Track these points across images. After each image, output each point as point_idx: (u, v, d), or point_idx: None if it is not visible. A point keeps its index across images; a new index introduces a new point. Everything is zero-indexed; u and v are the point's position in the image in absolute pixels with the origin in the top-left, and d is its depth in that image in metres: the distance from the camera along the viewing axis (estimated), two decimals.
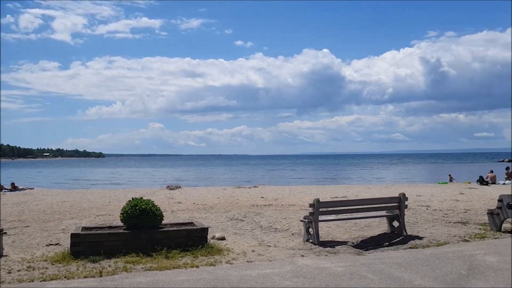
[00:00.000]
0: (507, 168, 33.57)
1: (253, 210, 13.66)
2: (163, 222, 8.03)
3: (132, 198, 7.79)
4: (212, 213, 12.97)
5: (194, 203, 16.22)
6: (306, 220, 8.30)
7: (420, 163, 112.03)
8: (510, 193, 10.23)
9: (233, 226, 10.47)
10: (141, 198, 7.77)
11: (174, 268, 6.35)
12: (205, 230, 7.67)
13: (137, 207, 7.44)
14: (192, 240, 7.47)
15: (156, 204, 7.87)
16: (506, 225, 9.72)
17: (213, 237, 8.59)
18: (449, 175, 32.73)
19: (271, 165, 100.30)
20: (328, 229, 9.66)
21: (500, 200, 9.52)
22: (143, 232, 7.38)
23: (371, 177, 48.95)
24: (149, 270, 6.21)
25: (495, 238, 8.53)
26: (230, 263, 6.65)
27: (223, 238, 8.64)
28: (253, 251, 7.55)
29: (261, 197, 18.14)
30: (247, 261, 6.78)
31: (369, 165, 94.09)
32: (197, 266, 6.43)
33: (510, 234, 8.99)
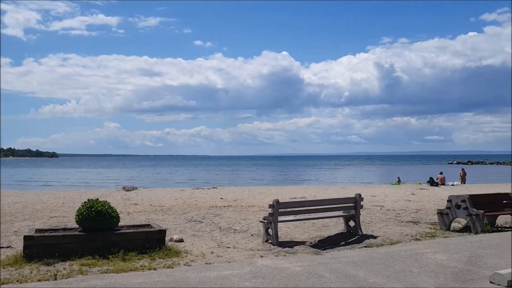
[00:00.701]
0: (463, 169, 35.30)
1: (212, 211, 13.61)
2: (120, 224, 7.87)
3: (88, 200, 7.57)
4: (169, 215, 12.80)
5: (151, 205, 15.95)
6: (266, 221, 8.37)
7: (375, 164, 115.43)
8: (458, 193, 10.73)
9: (192, 227, 10.39)
10: (97, 199, 7.57)
11: (131, 270, 6.23)
12: (162, 232, 7.58)
13: (93, 209, 7.24)
14: (149, 242, 7.35)
15: (112, 205, 7.69)
16: (454, 225, 10.20)
17: (171, 239, 8.49)
18: (398, 178, 33.90)
19: (231, 166, 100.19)
20: (287, 229, 9.78)
21: (449, 201, 9.98)
22: (99, 234, 7.19)
23: (329, 178, 49.95)
24: (106, 273, 6.06)
25: (444, 237, 8.93)
26: (188, 265, 6.60)
27: (181, 240, 8.56)
28: (212, 252, 7.53)
29: (220, 198, 18.10)
30: (206, 263, 6.76)
31: (327, 166, 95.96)
32: (155, 269, 6.34)
33: (458, 233, 9.44)
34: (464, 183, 31.74)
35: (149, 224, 8.20)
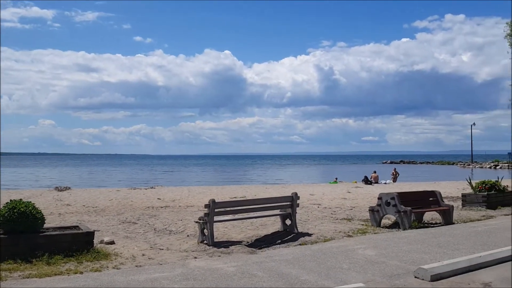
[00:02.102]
0: (395, 169, 37.07)
1: (148, 212, 13.24)
2: (46, 226, 7.43)
3: (10, 200, 7.08)
4: (103, 216, 12.30)
5: (84, 206, 15.25)
6: (201, 221, 8.23)
7: (315, 164, 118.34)
8: (389, 191, 11.17)
9: (125, 229, 10.03)
10: (20, 200, 7.09)
11: (55, 275, 5.88)
12: (91, 234, 7.22)
13: (15, 210, 6.77)
14: (77, 244, 6.98)
15: (37, 206, 7.24)
16: (385, 221, 10.61)
17: (101, 241, 8.13)
18: (336, 178, 34.94)
19: (171, 166, 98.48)
20: (224, 229, 9.71)
21: (379, 198, 10.36)
22: (22, 236, 6.73)
23: (270, 177, 50.48)
24: (28, 278, 5.68)
25: (375, 233, 9.25)
26: (117, 268, 6.34)
27: (112, 242, 8.22)
28: (143, 255, 7.28)
29: (158, 199, 17.67)
30: (136, 266, 6.52)
31: (269, 166, 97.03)
32: (81, 272, 6.02)
33: (388, 229, 9.82)
34: (395, 182, 33.31)
35: (77, 226, 7.80)
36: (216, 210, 8.16)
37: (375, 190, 21.07)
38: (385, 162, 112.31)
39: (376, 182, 30.40)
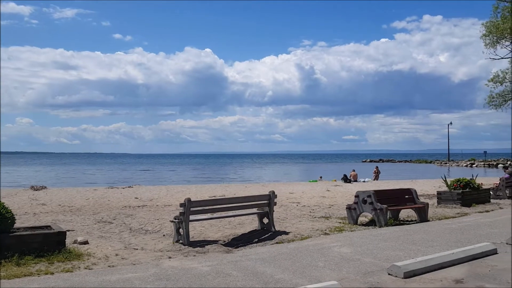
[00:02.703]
0: (377, 167, 37.56)
1: (124, 211, 13.04)
2: (18, 226, 7.25)
3: None
4: (79, 216, 12.07)
5: (60, 205, 14.94)
6: (176, 220, 8.14)
7: (296, 162, 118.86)
8: (366, 189, 11.26)
9: (100, 229, 9.85)
10: None
11: (25, 276, 5.73)
12: (62, 234, 7.06)
13: None
14: (48, 245, 6.81)
15: (9, 206, 7.06)
16: (362, 219, 10.69)
17: (75, 241, 7.98)
18: (320, 176, 35.12)
19: (150, 165, 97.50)
20: (201, 228, 9.63)
21: (356, 196, 10.43)
22: None
23: (251, 176, 50.44)
24: None
25: (351, 231, 9.30)
26: (89, 269, 6.21)
27: (86, 242, 8.06)
28: (116, 255, 7.15)
29: (135, 198, 17.44)
30: (109, 266, 6.40)
31: (250, 165, 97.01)
32: (52, 273, 5.88)
33: (364, 227, 9.89)
34: (377, 180, 33.69)
35: (49, 226, 7.62)
36: (192, 209, 8.07)
37: (353, 189, 21.22)
38: (365, 161, 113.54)
39: (355, 181, 30.67)
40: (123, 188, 23.68)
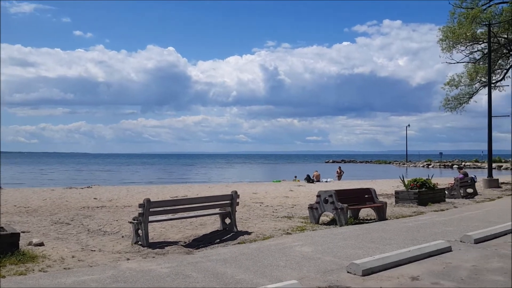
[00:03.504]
0: (339, 167, 38.20)
1: (83, 212, 12.65)
2: None
3: None
4: (35, 217, 11.61)
5: (15, 206, 14.32)
6: (135, 221, 7.95)
7: (260, 163, 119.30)
8: (328, 189, 11.41)
9: (57, 230, 9.51)
10: None
11: None
12: (16, 236, 6.76)
13: None
14: (0, 247, 6.51)
15: None
16: (323, 218, 10.82)
17: (29, 243, 7.66)
18: (295, 176, 34.87)
19: (111, 164, 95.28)
20: (162, 229, 9.47)
21: (318, 196, 10.55)
22: None
23: (215, 176, 50.21)
24: None
25: (313, 230, 9.39)
26: (44, 271, 5.96)
27: (41, 244, 7.75)
28: (73, 256, 6.91)
29: (94, 198, 16.97)
30: (64, 268, 6.17)
31: (214, 165, 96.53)
32: (4, 276, 5.61)
33: (326, 226, 10.01)
34: (340, 180, 34.32)
35: (2, 227, 7.27)
36: (151, 209, 7.91)
37: (316, 188, 21.48)
38: (328, 162, 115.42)
39: (318, 181, 31.09)
40: (82, 188, 23.02)
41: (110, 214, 12.20)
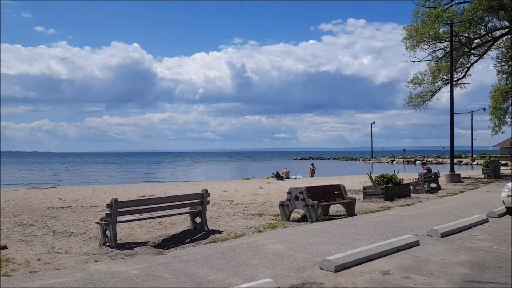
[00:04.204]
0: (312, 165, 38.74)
1: (48, 213, 12.21)
2: None
3: None
4: None
5: None
6: (103, 222, 7.73)
7: (229, 160, 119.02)
8: (298, 186, 11.46)
9: (21, 232, 9.14)
10: None
11: None
12: None
13: None
14: None
15: None
16: (294, 215, 10.86)
17: None
18: (273, 173, 34.26)
19: (75, 163, 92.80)
20: (130, 230, 9.26)
21: (289, 193, 10.58)
22: None
23: (183, 175, 49.68)
24: None
25: (284, 227, 9.40)
26: (8, 276, 5.70)
27: (4, 247, 7.43)
28: (38, 259, 6.64)
29: (59, 199, 16.44)
30: (30, 272, 5.92)
31: (182, 163, 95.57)
32: None
33: (296, 223, 10.05)
34: (313, 176, 34.79)
35: None
36: (119, 210, 7.71)
37: (285, 186, 21.61)
38: (296, 159, 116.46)
39: (287, 178, 31.26)
40: (46, 188, 22.29)
41: (76, 214, 11.84)
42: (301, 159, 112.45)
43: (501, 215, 10.59)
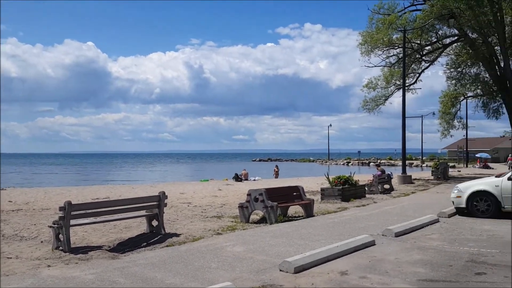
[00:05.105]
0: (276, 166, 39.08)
1: None
2: None
3: None
4: None
5: None
6: (56, 225, 7.41)
7: (186, 162, 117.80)
8: (258, 188, 11.47)
9: None
10: None
11: None
12: None
13: None
14: None
15: None
16: (253, 217, 10.85)
17: None
18: (236, 174, 34.86)
19: (26, 165, 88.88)
20: (84, 233, 8.93)
21: (249, 194, 10.56)
22: None
23: (138, 176, 48.66)
24: None
25: (243, 229, 9.37)
26: None
27: None
28: None
29: (9, 201, 15.65)
30: None
31: (137, 165, 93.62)
32: None
33: (256, 224, 10.05)
34: (277, 178, 35.13)
35: None
36: (73, 213, 7.42)
37: (245, 187, 21.61)
38: (255, 160, 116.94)
39: (246, 179, 31.29)
40: None
41: (27, 218, 11.30)
42: (260, 160, 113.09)
43: (451, 215, 11.04)
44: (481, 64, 29.98)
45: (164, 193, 9.15)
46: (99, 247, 7.69)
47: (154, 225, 9.12)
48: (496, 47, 28.06)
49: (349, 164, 78.61)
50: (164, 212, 9.26)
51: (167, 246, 7.81)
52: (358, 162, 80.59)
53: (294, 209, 12.24)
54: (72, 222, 7.48)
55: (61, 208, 7.32)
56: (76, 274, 5.72)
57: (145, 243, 8.12)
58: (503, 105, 30.25)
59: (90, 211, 8.02)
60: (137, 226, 9.80)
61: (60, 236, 7.40)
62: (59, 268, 6.13)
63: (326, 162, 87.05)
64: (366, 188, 17.43)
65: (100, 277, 5.52)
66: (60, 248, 7.36)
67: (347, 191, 15.14)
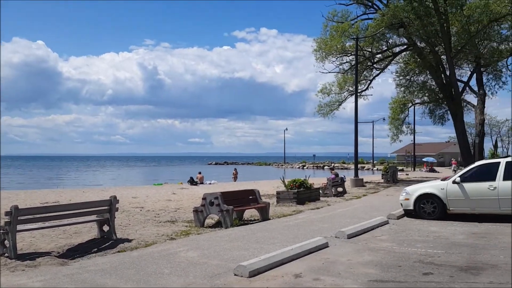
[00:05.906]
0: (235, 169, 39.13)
1: None
2: None
3: None
4: None
5: None
6: (1, 231, 7.04)
7: (140, 165, 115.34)
8: (213, 191, 11.40)
9: None
10: None
11: None
12: None
13: None
14: None
15: None
16: (208, 221, 10.78)
17: None
18: (196, 175, 34.34)
19: None
20: (32, 239, 8.56)
21: (204, 198, 10.48)
22: None
23: (89, 180, 47.14)
24: None
25: (198, 234, 9.29)
26: None
27: None
28: None
29: None
30: None
31: (88, 168, 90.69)
32: None
33: (211, 229, 9.99)
34: (236, 181, 35.11)
35: None
36: (20, 217, 7.08)
37: (200, 191, 21.43)
38: (211, 163, 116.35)
39: (202, 183, 31.04)
40: None
41: None
42: (216, 164, 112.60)
43: (399, 217, 11.46)
44: (428, 72, 31.40)
45: (115, 197, 8.91)
46: (47, 253, 7.38)
47: (105, 230, 8.87)
48: (442, 56, 29.51)
49: (305, 167, 79.87)
50: (115, 217, 9.01)
51: (118, 251, 7.61)
52: (313, 166, 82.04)
53: (250, 213, 12.27)
54: (19, 227, 7.14)
55: (6, 213, 6.96)
56: (23, 281, 5.46)
57: (95, 249, 7.87)
58: (448, 112, 31.82)
59: (38, 215, 7.68)
60: (88, 231, 9.49)
61: (6, 242, 7.07)
62: (4, 276, 5.83)
63: (282, 165, 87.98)
64: (320, 191, 17.76)
65: (48, 284, 5.30)
66: (6, 255, 7.01)
67: (302, 194, 15.36)
